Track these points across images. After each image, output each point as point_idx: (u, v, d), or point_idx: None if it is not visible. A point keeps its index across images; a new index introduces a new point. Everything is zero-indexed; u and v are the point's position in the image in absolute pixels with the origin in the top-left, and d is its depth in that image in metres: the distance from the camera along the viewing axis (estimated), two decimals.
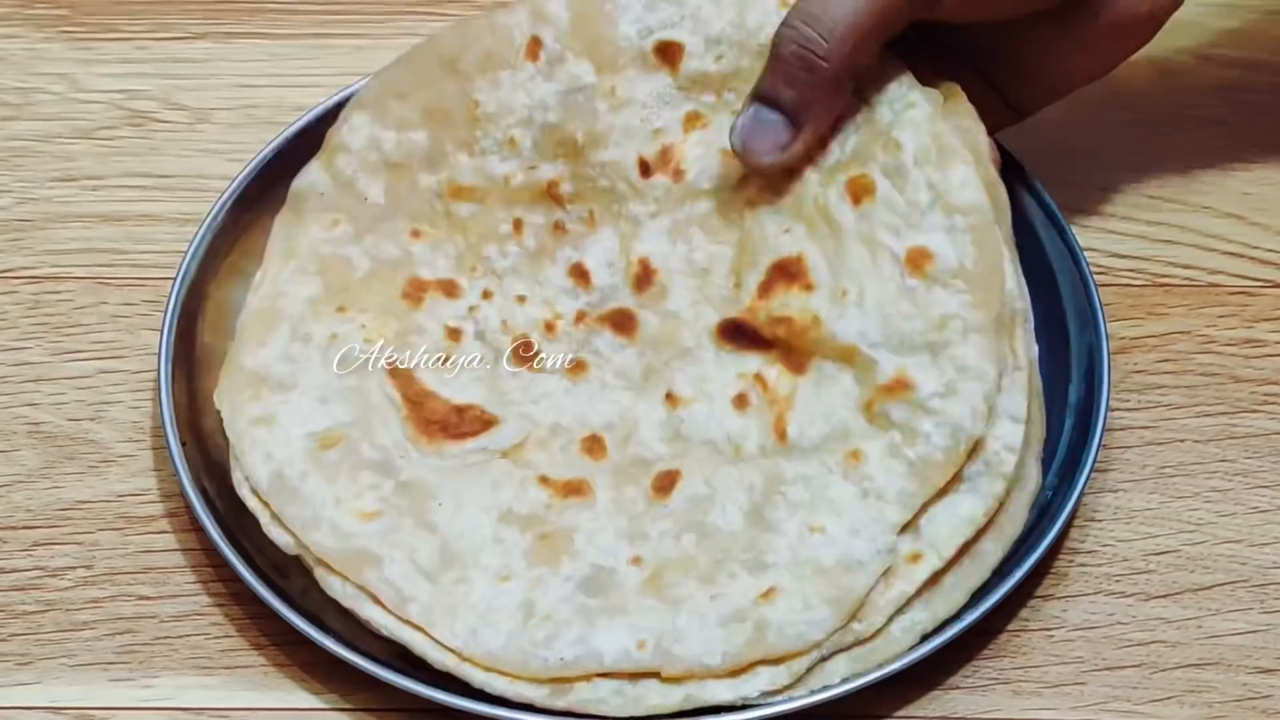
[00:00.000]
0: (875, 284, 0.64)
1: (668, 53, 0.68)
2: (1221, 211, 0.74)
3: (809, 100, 0.64)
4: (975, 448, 0.62)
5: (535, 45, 0.68)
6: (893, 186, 0.65)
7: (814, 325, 0.64)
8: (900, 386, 0.63)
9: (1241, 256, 0.73)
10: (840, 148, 0.66)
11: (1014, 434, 0.63)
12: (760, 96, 0.65)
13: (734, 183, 0.67)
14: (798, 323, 0.65)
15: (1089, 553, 0.66)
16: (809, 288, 0.65)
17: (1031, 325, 0.65)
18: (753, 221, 0.67)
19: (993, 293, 0.63)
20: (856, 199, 0.65)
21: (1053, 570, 0.65)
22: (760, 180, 0.67)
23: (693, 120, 0.68)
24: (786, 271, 0.65)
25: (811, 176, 0.66)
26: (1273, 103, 0.77)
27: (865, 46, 0.64)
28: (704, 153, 0.68)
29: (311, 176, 0.69)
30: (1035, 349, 0.65)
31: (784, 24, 0.64)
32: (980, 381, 0.62)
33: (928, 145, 0.65)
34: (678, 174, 0.68)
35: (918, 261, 0.64)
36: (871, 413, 0.63)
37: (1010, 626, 0.64)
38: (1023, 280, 0.66)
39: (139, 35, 0.80)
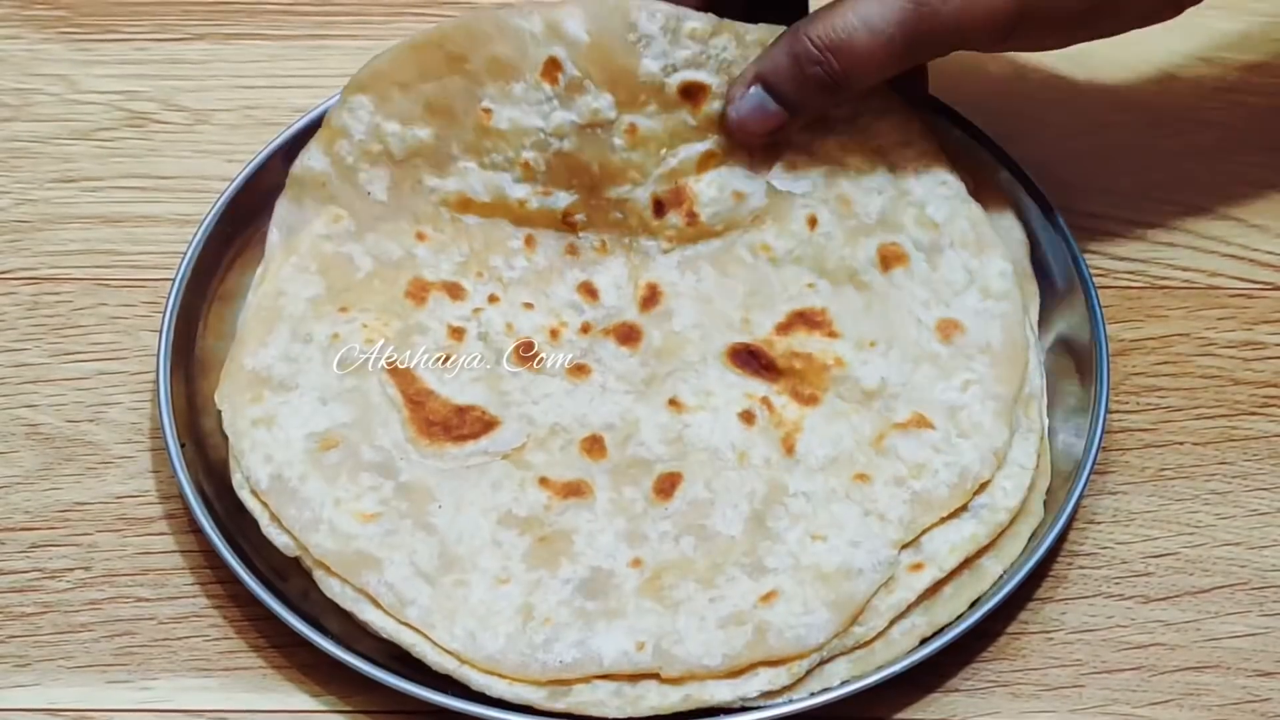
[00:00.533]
0: (902, 341, 0.66)
1: (691, 93, 0.67)
2: (1221, 214, 0.74)
3: (817, 107, 0.67)
4: (982, 486, 0.63)
5: (553, 66, 0.66)
6: (927, 261, 0.66)
7: (836, 364, 0.65)
8: (914, 425, 0.64)
9: (1241, 259, 0.73)
10: (864, 209, 0.68)
11: (1022, 477, 0.64)
12: (766, 84, 0.66)
13: (746, 224, 0.68)
14: (818, 360, 0.66)
15: (1088, 555, 0.66)
16: (833, 335, 0.66)
17: (1045, 402, 0.66)
18: (769, 266, 0.68)
19: (1016, 371, 0.65)
20: (886, 265, 0.67)
21: (1052, 573, 0.65)
22: (776, 226, 0.68)
23: (708, 159, 0.68)
24: (809, 320, 0.67)
25: (834, 233, 0.68)
26: (1272, 105, 0.77)
27: (885, 74, 0.66)
28: (718, 195, 0.68)
29: (312, 160, 0.68)
30: (1047, 421, 0.66)
31: (811, 39, 0.65)
32: (992, 439, 0.64)
33: (966, 231, 0.67)
34: (691, 216, 0.68)
35: (947, 331, 0.66)
36: (881, 446, 0.64)
37: (1009, 629, 0.64)
38: (1042, 365, 0.67)
39: (138, 36, 0.80)
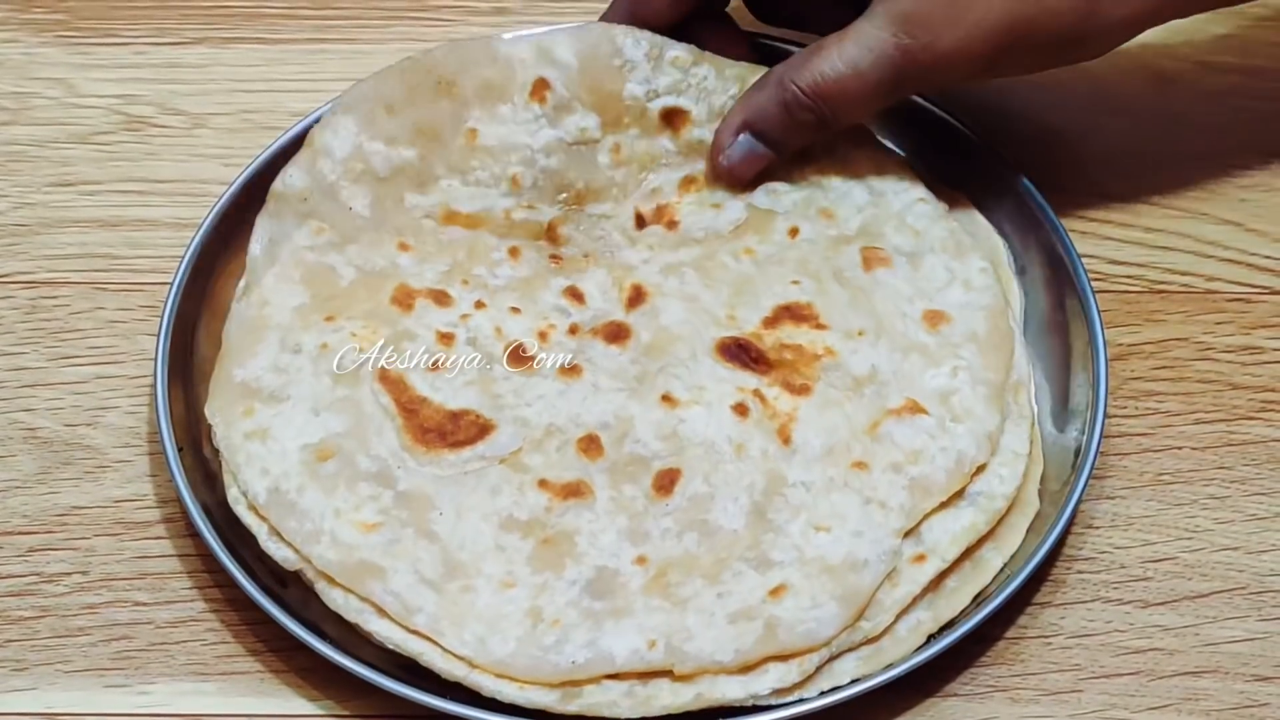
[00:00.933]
0: (889, 332, 0.66)
1: (672, 118, 0.70)
2: (1219, 218, 0.74)
3: (804, 144, 0.69)
4: (978, 471, 0.64)
5: (542, 86, 0.69)
6: (909, 263, 0.68)
7: (827, 354, 0.66)
8: (908, 411, 0.64)
9: (1239, 263, 0.73)
10: (845, 220, 0.69)
11: (1017, 464, 0.64)
12: (755, 131, 0.69)
13: (727, 235, 0.70)
14: (808, 350, 0.66)
15: (1086, 560, 0.66)
16: (820, 328, 0.67)
17: (1033, 390, 0.67)
18: (752, 268, 0.69)
19: (1003, 357, 0.66)
20: (869, 265, 0.68)
21: (1050, 577, 0.65)
22: (757, 236, 0.69)
23: (689, 183, 0.71)
24: (796, 314, 0.67)
25: (816, 240, 0.69)
26: (1271, 109, 0.77)
27: (871, 111, 0.70)
28: (697, 209, 0.70)
29: (293, 179, 0.68)
30: (1036, 409, 0.67)
31: (800, 89, 0.67)
32: (985, 423, 0.64)
33: (945, 238, 0.68)
34: (671, 225, 0.70)
35: (934, 320, 0.67)
36: (876, 433, 0.64)
37: (1008, 633, 0.64)
38: (1028, 354, 0.68)
39: (136, 40, 0.80)
